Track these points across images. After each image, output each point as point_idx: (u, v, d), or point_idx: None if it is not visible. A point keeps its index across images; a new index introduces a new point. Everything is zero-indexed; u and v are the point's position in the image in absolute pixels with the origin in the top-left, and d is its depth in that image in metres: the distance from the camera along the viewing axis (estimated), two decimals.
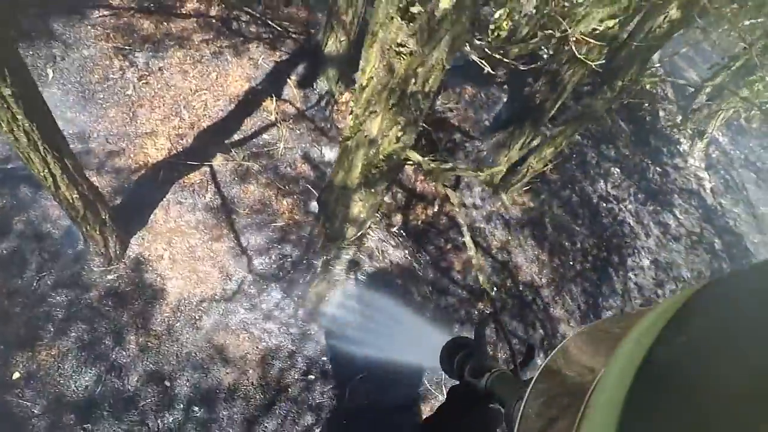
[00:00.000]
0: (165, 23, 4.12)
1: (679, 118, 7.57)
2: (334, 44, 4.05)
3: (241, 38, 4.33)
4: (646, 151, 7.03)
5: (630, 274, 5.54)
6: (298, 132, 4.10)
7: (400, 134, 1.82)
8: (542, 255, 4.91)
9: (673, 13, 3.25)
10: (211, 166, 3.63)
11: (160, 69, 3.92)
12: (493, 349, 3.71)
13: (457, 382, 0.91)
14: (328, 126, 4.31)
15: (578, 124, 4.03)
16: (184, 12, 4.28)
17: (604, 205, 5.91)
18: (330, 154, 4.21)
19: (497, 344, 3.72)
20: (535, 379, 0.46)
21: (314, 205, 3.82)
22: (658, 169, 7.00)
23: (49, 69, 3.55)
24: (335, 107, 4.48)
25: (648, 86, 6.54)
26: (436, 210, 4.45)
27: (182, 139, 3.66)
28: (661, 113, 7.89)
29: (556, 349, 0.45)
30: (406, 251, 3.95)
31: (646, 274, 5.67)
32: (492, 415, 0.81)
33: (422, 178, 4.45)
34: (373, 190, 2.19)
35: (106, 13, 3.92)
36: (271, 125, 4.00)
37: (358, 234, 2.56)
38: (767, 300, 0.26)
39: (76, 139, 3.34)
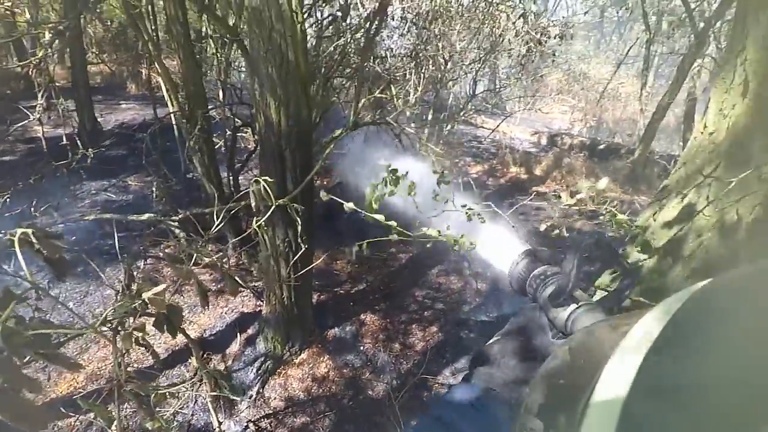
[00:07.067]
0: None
1: None
2: (269, 306, 3.89)
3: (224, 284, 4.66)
4: None
5: None
6: (203, 395, 3.69)
7: None
8: None
9: None
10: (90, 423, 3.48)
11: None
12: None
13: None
14: (251, 395, 3.76)
15: None
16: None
17: None
18: (233, 427, 3.53)
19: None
20: (535, 379, 0.45)
21: None
22: None
23: None
24: (277, 370, 3.99)
25: None
26: None
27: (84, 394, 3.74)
28: None
29: (557, 348, 0.46)
30: None
31: None
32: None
33: None
34: None
35: None
36: (181, 382, 3.75)
37: None
38: (765, 300, 0.27)
39: None
